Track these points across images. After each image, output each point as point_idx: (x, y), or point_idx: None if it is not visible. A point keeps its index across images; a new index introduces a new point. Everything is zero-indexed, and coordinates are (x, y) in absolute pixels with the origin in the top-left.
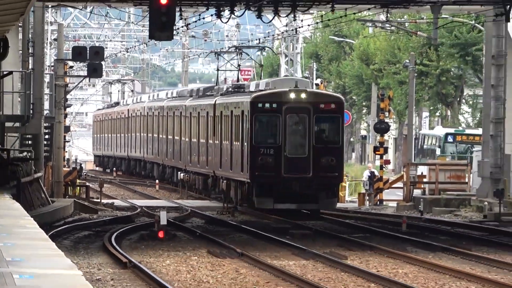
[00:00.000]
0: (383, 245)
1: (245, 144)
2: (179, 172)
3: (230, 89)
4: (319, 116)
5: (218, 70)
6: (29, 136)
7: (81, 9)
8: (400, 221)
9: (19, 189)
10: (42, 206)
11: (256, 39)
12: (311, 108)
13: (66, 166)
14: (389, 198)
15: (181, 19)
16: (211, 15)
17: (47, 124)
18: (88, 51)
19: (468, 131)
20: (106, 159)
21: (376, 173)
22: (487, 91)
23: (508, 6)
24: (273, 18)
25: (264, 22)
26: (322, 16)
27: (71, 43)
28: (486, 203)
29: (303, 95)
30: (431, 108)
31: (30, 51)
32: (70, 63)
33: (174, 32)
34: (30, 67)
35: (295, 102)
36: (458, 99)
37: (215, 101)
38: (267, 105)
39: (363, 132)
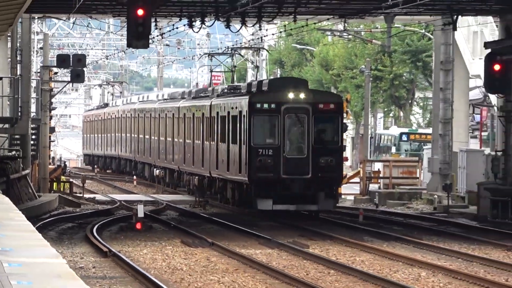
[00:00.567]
0: (341, 235)
1: (243, 145)
2: (154, 169)
3: (226, 90)
4: (318, 116)
5: (211, 71)
6: (18, 136)
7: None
8: (357, 213)
9: (9, 185)
10: (30, 200)
11: (225, 47)
12: (310, 108)
13: (51, 164)
14: (347, 192)
15: (156, 28)
16: (184, 25)
17: (34, 125)
18: (71, 59)
19: (420, 131)
20: (96, 158)
21: None
22: (436, 94)
23: (455, 16)
24: (241, 28)
25: (232, 32)
26: (285, 25)
27: (56, 51)
28: (435, 196)
29: (302, 95)
30: (385, 109)
31: (18, 58)
32: (55, 69)
33: (150, 41)
34: (18, 73)
35: (293, 102)
36: (410, 101)
37: (211, 102)
38: (265, 105)
39: None
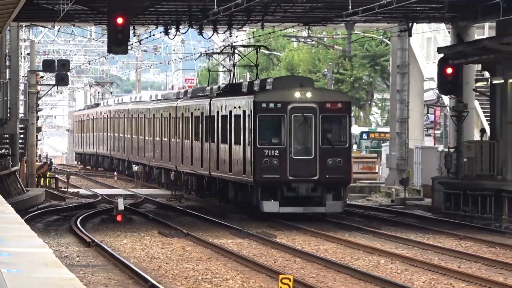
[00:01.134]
0: (307, 226)
1: (248, 145)
2: (134, 166)
3: (225, 89)
4: (325, 116)
5: (209, 71)
6: (7, 135)
7: (50, 28)
8: None
9: None
10: (18, 195)
11: (198, 53)
12: (317, 107)
13: (38, 161)
14: None
15: (134, 35)
16: (160, 32)
17: (22, 125)
18: (56, 64)
19: (379, 129)
20: (88, 157)
21: None
22: (393, 95)
23: (410, 24)
24: (212, 34)
25: (205, 38)
26: (253, 32)
27: (42, 57)
28: (393, 189)
29: (308, 94)
30: None
31: (7, 64)
32: (41, 73)
33: (129, 47)
34: (7, 77)
35: (300, 101)
36: (369, 102)
37: (210, 101)
38: (271, 104)
39: None
